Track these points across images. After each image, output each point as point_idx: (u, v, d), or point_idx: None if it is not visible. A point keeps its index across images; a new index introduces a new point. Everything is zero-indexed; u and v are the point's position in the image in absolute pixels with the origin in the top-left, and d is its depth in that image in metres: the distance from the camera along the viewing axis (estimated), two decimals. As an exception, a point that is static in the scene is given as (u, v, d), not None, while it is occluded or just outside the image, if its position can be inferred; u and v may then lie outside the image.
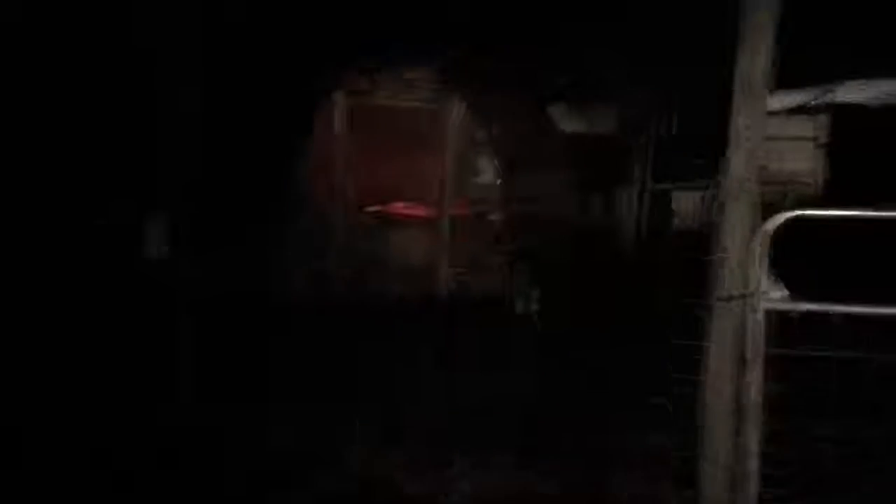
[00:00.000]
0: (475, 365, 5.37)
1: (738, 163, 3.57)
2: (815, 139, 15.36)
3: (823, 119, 15.68)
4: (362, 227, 7.83)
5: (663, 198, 12.12)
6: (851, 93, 16.34)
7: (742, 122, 3.55)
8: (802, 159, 15.05)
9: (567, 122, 9.92)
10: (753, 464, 3.42)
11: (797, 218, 3.48)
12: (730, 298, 3.49)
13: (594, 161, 10.17)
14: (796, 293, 3.54)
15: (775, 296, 3.48)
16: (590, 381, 5.31)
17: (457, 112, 7.10)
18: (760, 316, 3.42)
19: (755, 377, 3.46)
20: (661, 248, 10.64)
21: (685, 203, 12.55)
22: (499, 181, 7.36)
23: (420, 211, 7.71)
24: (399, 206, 8.04)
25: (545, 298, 7.02)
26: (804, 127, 15.39)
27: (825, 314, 3.40)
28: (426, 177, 7.51)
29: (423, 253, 7.56)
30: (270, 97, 7.26)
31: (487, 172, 7.37)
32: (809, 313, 3.43)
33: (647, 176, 10.87)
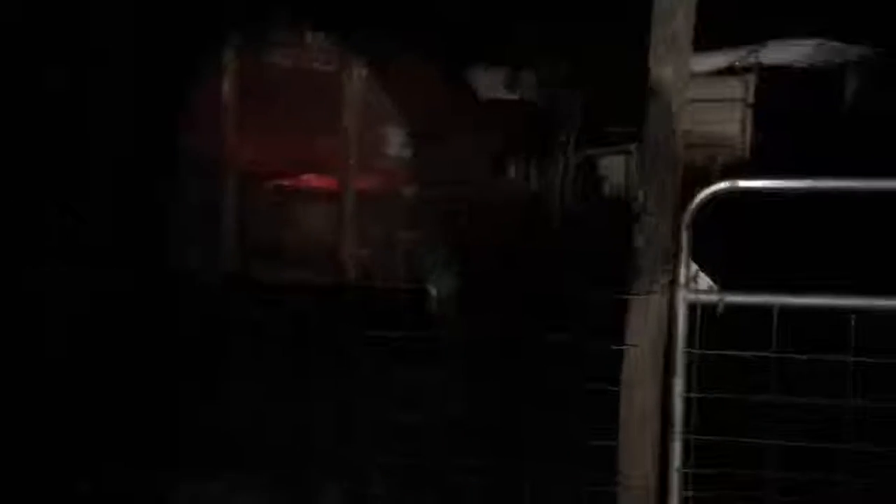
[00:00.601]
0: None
1: (657, 121, 3.02)
2: (742, 100, 15.03)
3: (750, 80, 15.33)
4: (257, 203, 7.12)
5: (590, 164, 11.68)
6: (778, 53, 15.98)
7: (664, 74, 3.00)
8: (730, 121, 14.72)
9: (486, 87, 9.35)
10: (675, 482, 2.94)
11: (731, 190, 2.96)
12: (649, 290, 2.98)
13: (515, 129, 9.65)
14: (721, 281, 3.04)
15: (702, 285, 2.98)
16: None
17: (362, 76, 6.44)
18: (683, 310, 2.91)
19: (678, 382, 2.96)
20: (589, 221, 10.22)
21: (614, 168, 12.11)
22: (409, 153, 6.74)
23: (328, 183, 7.05)
24: (305, 179, 7.36)
25: (460, 284, 6.48)
26: (731, 88, 15.06)
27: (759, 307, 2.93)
28: (328, 148, 6.85)
29: (325, 233, 6.91)
30: (144, 57, 6.51)
31: (397, 143, 6.73)
32: (739, 306, 2.95)
33: (570, 142, 10.40)
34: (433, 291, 6.42)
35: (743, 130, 15.09)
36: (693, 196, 2.95)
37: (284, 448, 4.21)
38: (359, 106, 6.66)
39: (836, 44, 15.80)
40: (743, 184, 2.88)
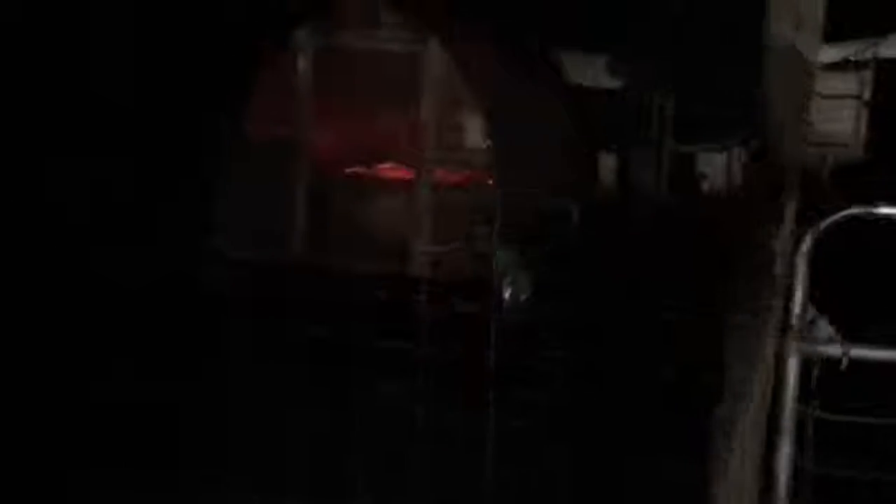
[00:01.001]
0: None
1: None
2: (858, 97, 13.94)
3: (867, 75, 14.21)
4: (333, 192, 6.72)
5: (687, 160, 10.93)
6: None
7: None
8: (844, 119, 13.65)
9: (577, 73, 8.73)
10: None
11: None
12: (759, 334, 2.40)
13: (605, 119, 9.02)
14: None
15: (821, 333, 2.38)
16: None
17: (441, 58, 5.96)
18: (796, 363, 2.34)
19: (786, 445, 2.40)
20: (685, 222, 9.52)
21: (713, 165, 11.31)
22: (489, 143, 6.23)
23: (405, 174, 6.60)
24: (383, 168, 6.92)
25: (541, 286, 5.95)
26: (847, 83, 13.96)
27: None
28: (403, 135, 6.40)
29: (399, 226, 6.47)
30: (218, 38, 6.19)
31: (476, 133, 6.23)
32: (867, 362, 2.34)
33: (666, 135, 9.69)
34: (507, 292, 5.92)
35: (857, 129, 14.06)
36: (812, 219, 2.36)
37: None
38: (437, 91, 6.18)
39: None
40: (884, 210, 2.26)
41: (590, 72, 9.40)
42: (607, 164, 9.28)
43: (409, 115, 6.27)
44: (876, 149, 14.33)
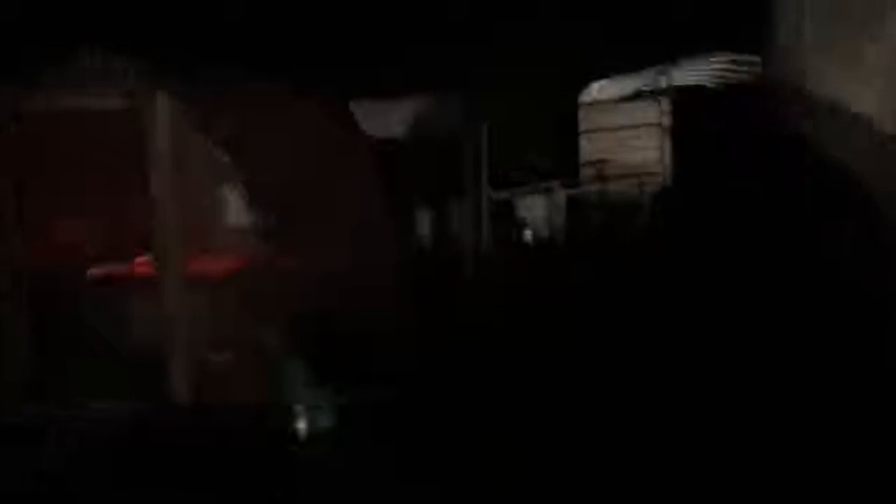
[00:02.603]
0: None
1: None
2: (659, 125, 13.46)
3: (666, 104, 13.79)
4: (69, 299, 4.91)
5: (506, 208, 9.82)
6: (687, 74, 14.42)
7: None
8: (650, 148, 13.09)
9: (376, 122, 7.33)
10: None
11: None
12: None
13: (412, 171, 7.70)
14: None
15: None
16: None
17: (173, 113, 4.39)
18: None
19: None
20: (511, 273, 8.33)
21: (534, 210, 10.28)
22: (257, 220, 4.67)
23: (147, 269, 4.88)
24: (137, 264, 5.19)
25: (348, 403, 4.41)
26: (648, 113, 13.47)
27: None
28: (141, 217, 4.71)
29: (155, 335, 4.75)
30: None
31: (237, 208, 4.65)
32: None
33: (482, 182, 8.48)
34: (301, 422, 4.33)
35: (663, 157, 13.68)
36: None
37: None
38: (177, 158, 4.56)
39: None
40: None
41: (385, 120, 8.09)
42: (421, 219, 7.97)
43: (142, 191, 4.59)
44: (679, 174, 13.99)
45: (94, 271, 5.00)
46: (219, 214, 4.92)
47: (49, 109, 4.65)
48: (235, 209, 4.75)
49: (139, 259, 4.99)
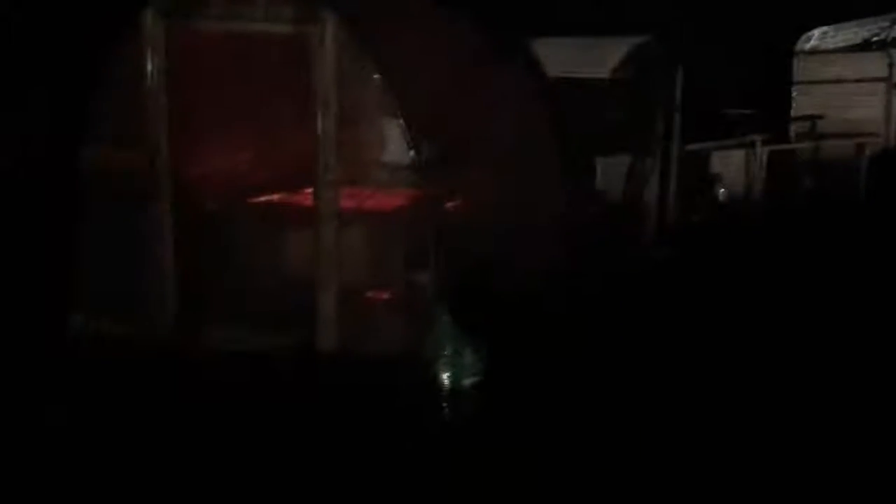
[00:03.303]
0: None
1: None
2: (887, 80, 12.03)
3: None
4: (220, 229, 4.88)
5: (700, 160, 9.07)
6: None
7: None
8: (874, 105, 11.72)
9: (555, 62, 6.86)
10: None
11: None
12: None
13: (595, 119, 7.20)
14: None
15: None
16: None
17: (339, 38, 4.16)
18: None
19: None
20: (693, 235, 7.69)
21: (730, 165, 9.45)
22: (419, 157, 4.39)
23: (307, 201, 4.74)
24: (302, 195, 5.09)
25: (497, 363, 4.10)
26: (874, 66, 12.04)
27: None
28: (294, 148, 4.55)
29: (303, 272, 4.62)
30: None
31: (398, 143, 4.39)
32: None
33: (674, 132, 7.83)
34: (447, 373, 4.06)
35: (886, 116, 12.27)
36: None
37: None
38: (343, 88, 4.34)
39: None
40: None
41: (565, 60, 7.60)
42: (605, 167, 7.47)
43: (307, 122, 4.41)
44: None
45: (256, 200, 4.94)
46: (381, 150, 4.69)
47: (216, 33, 4.55)
48: (398, 145, 4.50)
49: (302, 191, 4.87)
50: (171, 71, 4.50)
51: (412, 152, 4.39)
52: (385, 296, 4.65)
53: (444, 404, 3.94)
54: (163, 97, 4.53)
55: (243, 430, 3.89)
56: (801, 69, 12.59)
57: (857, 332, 5.27)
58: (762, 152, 9.11)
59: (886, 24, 13.30)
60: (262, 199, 4.98)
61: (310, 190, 4.59)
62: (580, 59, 8.13)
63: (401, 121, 4.34)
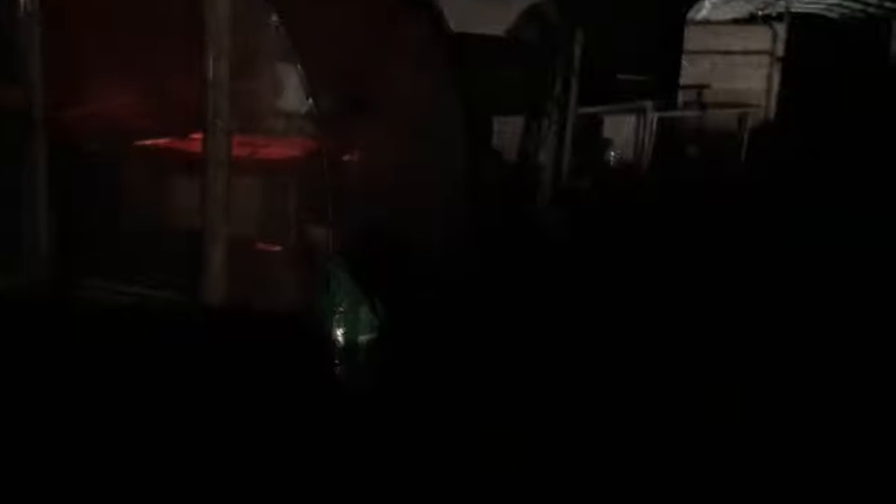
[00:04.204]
0: None
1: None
2: (771, 53, 12.43)
3: (780, 30, 12.69)
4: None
5: (592, 123, 9.18)
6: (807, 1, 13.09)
7: None
8: (757, 77, 12.13)
9: (453, 17, 6.74)
10: None
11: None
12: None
13: (492, 78, 7.15)
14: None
15: None
16: None
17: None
18: None
19: None
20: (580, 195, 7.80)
21: (621, 130, 9.60)
22: (317, 106, 4.24)
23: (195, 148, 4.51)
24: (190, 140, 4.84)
25: (393, 321, 4.03)
26: (760, 39, 12.44)
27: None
28: (183, 92, 4.31)
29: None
30: None
31: (296, 91, 4.22)
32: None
33: (570, 94, 7.87)
34: (339, 330, 3.97)
35: (769, 87, 12.73)
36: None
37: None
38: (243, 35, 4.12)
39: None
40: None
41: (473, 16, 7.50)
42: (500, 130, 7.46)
43: (199, 65, 4.18)
44: (783, 106, 13.19)
45: (141, 143, 4.68)
46: (277, 97, 4.51)
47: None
48: (294, 93, 4.32)
49: (191, 136, 4.63)
50: (48, 4, 4.17)
51: (310, 101, 4.23)
52: (277, 249, 4.50)
53: (338, 361, 3.85)
54: (36, 29, 4.21)
55: (121, 385, 3.72)
56: (692, 38, 12.89)
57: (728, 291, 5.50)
58: (652, 118, 9.30)
59: (773, -2, 13.71)
60: (148, 143, 4.71)
61: (199, 136, 4.37)
62: (479, 14, 8.05)
63: (299, 67, 4.17)
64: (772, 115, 12.82)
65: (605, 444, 3.55)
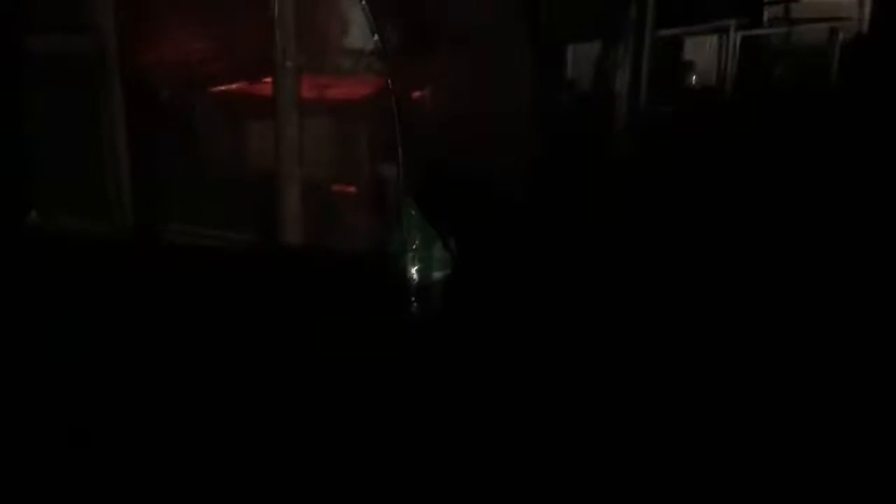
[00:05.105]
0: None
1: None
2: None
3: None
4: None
5: (672, 49, 8.83)
6: None
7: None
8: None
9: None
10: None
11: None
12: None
13: (563, 4, 6.91)
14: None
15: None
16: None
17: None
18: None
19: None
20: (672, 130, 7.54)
21: (703, 52, 9.21)
22: (384, 42, 4.18)
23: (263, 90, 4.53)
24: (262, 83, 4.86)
25: (469, 258, 4.02)
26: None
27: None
28: (252, 35, 4.31)
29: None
30: None
31: (361, 29, 4.17)
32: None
33: (647, 17, 7.57)
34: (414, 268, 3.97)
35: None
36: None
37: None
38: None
39: None
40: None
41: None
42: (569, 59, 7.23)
43: (264, 6, 4.17)
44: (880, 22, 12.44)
45: (214, 90, 4.71)
46: (343, 35, 4.46)
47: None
48: (361, 30, 4.27)
49: (262, 80, 4.64)
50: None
51: (376, 38, 4.18)
52: (351, 189, 4.51)
53: (414, 299, 3.86)
54: None
55: (204, 326, 3.82)
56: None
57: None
58: (735, 38, 8.89)
59: None
60: (220, 88, 4.74)
61: (269, 79, 4.37)
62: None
63: (363, 4, 4.10)
64: (865, 27, 12.12)
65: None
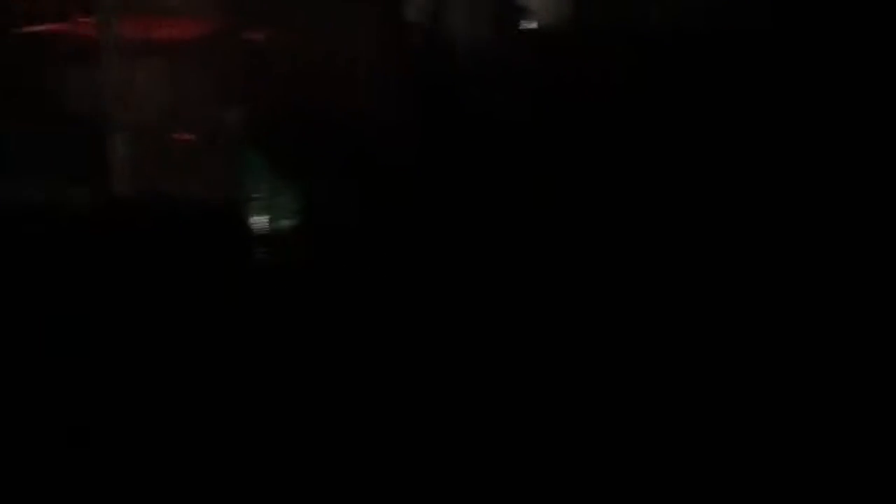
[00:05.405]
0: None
1: None
2: None
3: None
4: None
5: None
6: None
7: None
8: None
9: None
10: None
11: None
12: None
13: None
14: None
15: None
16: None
17: None
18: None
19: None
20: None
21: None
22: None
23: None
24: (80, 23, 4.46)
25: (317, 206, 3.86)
26: None
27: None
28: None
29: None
30: None
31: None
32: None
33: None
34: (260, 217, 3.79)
35: None
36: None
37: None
38: None
39: None
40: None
41: None
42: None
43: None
44: None
45: (27, 30, 4.29)
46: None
47: None
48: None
49: (81, 20, 4.26)
50: None
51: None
52: (188, 136, 4.23)
53: (260, 248, 3.68)
54: None
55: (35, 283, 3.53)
56: None
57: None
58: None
59: None
60: (34, 29, 4.33)
61: (89, 19, 4.02)
62: None
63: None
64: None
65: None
